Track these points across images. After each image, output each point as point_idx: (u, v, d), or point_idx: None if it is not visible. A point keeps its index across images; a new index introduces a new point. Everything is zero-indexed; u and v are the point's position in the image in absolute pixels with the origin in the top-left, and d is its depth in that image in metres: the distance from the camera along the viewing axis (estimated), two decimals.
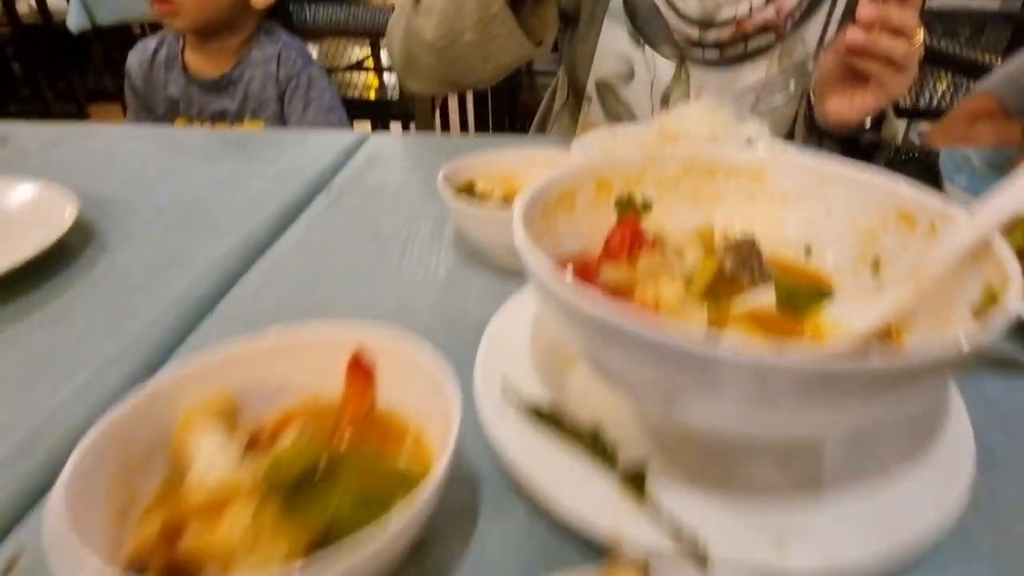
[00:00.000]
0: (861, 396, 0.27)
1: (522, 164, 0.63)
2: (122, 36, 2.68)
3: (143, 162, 0.77)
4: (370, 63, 3.06)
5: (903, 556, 0.29)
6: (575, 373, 0.41)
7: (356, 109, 1.38)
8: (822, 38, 0.88)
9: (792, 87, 0.91)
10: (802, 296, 0.42)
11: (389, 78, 3.09)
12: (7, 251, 0.49)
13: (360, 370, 0.33)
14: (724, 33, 0.86)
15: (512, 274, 0.55)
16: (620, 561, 0.26)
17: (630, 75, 0.94)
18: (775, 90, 0.91)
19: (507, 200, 0.58)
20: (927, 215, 0.40)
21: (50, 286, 0.50)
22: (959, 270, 0.35)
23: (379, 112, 1.79)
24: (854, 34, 0.67)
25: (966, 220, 0.36)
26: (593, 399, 0.38)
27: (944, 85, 1.77)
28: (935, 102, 1.85)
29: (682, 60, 0.91)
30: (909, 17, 0.66)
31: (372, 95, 2.63)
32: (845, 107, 0.74)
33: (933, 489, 0.32)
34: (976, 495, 0.32)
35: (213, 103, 1.25)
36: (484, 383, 0.38)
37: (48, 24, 3.44)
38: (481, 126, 2.36)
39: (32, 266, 0.49)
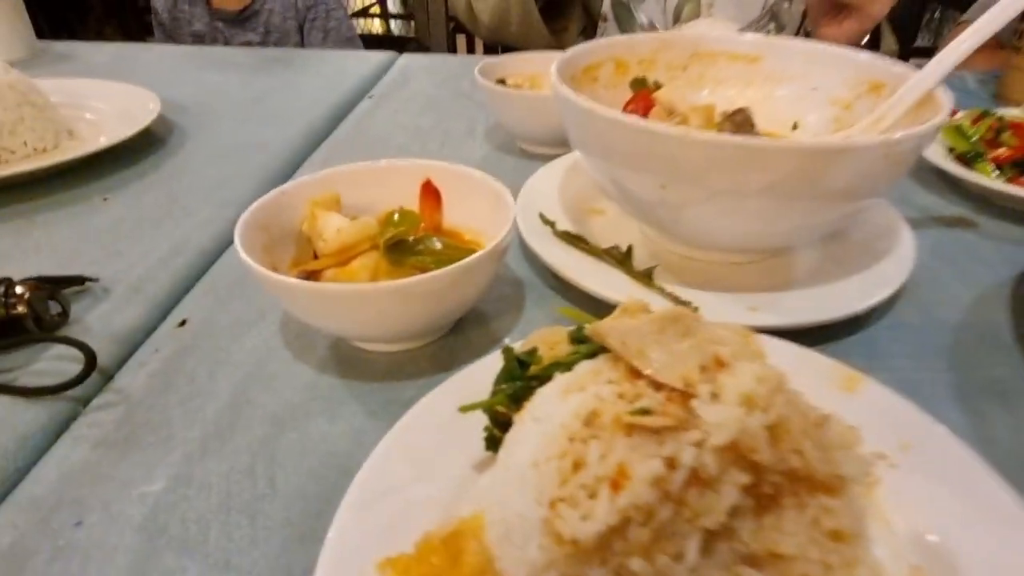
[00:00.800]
0: (814, 184, 0.36)
1: (543, 67, 0.70)
2: None
3: (201, 74, 0.85)
4: (376, 9, 3.06)
5: (839, 319, 0.39)
6: (595, 218, 0.51)
7: (372, 43, 1.44)
8: None
9: None
10: None
11: (395, 25, 3.08)
12: (110, 133, 0.59)
13: (430, 191, 0.43)
14: None
15: (538, 157, 0.64)
16: (630, 304, 0.35)
17: None
18: None
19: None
20: (892, 81, 0.48)
21: (151, 160, 0.60)
22: (911, 120, 0.44)
23: (394, 46, 1.84)
24: None
25: (915, 80, 0.45)
26: (612, 236, 0.48)
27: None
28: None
29: None
30: None
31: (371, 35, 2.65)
32: (835, 32, 0.81)
33: (872, 285, 0.42)
34: (910, 296, 0.41)
35: (237, 36, 1.31)
36: (524, 215, 0.47)
37: None
38: None
39: (130, 145, 0.59)
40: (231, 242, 0.47)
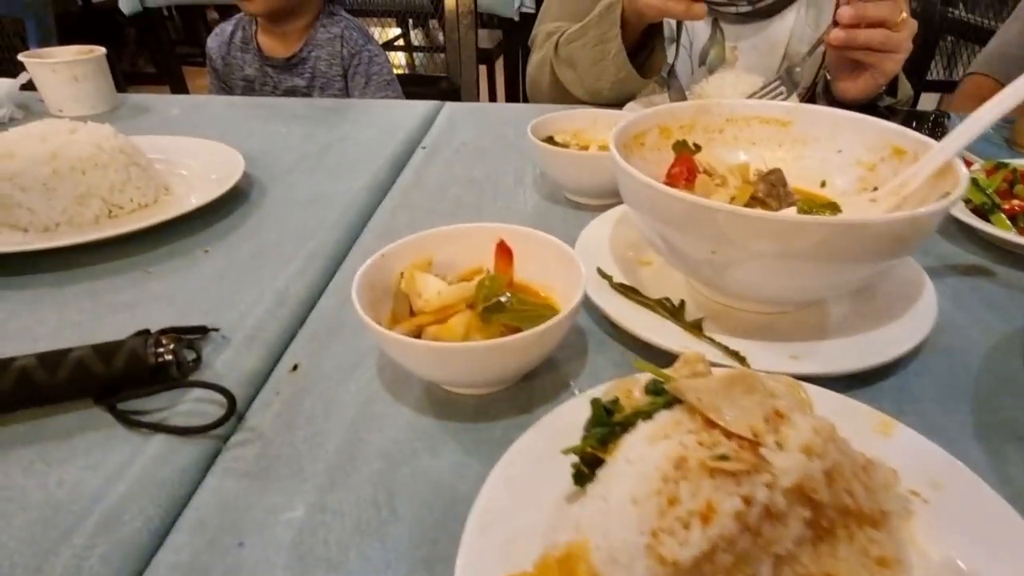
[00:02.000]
0: (850, 251, 0.41)
1: (589, 123, 0.77)
2: (154, 19, 2.84)
3: (267, 126, 0.93)
4: (401, 42, 3.18)
5: (875, 367, 0.44)
6: (645, 268, 0.57)
7: (405, 82, 1.52)
8: None
9: (820, 31, 1.01)
10: (817, 211, 0.56)
11: (420, 57, 3.20)
12: (202, 189, 0.66)
13: (504, 250, 0.48)
14: None
15: (585, 208, 0.70)
16: (690, 355, 0.40)
17: (671, 39, 1.06)
18: (804, 40, 1.02)
19: (581, 151, 0.73)
20: (912, 148, 0.54)
21: (238, 214, 0.67)
22: (930, 186, 0.50)
23: (426, 85, 1.93)
24: (835, 34, 0.78)
25: (937, 149, 0.50)
26: (659, 285, 0.53)
27: (972, 55, 1.86)
28: (964, 73, 1.94)
29: (716, 20, 1.03)
30: (885, 9, 0.77)
31: (402, 72, 2.76)
32: (852, 87, 0.86)
33: (902, 334, 0.47)
34: (933, 343, 0.46)
35: (285, 80, 1.39)
36: (583, 268, 0.53)
37: (87, 5, 3.60)
38: (513, 99, 2.49)
39: (222, 200, 0.66)
40: (323, 290, 0.54)
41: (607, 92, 0.94)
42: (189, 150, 0.75)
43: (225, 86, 1.44)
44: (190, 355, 0.43)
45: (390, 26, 3.16)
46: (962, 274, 0.60)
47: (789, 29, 1.01)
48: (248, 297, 0.52)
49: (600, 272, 0.53)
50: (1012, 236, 0.61)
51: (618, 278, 0.53)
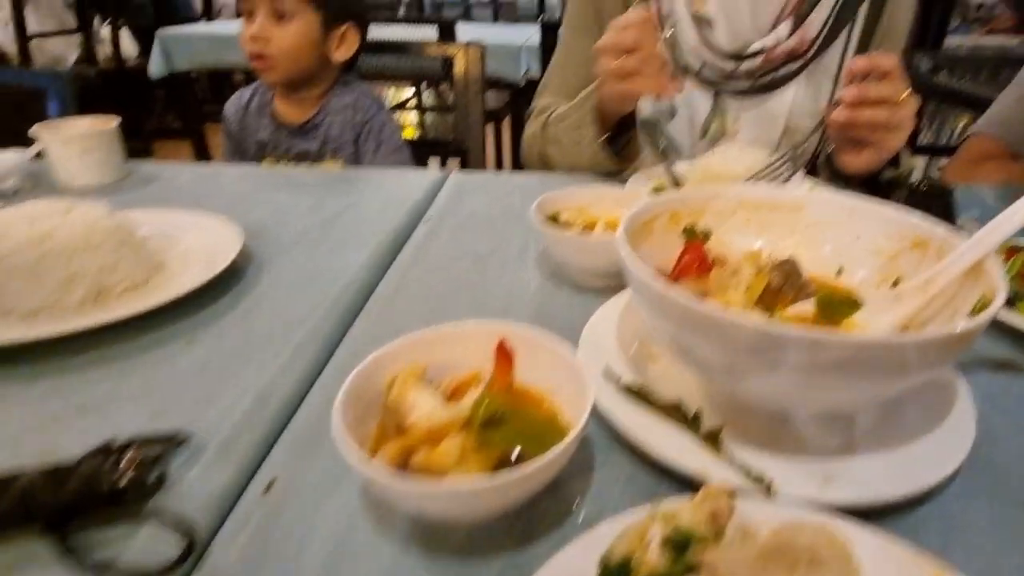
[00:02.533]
0: (884, 369, 0.37)
1: (594, 199, 0.75)
2: (182, 80, 2.95)
3: (274, 196, 0.92)
4: (413, 103, 3.28)
5: (916, 495, 0.39)
6: (656, 364, 0.53)
7: (413, 146, 1.54)
8: (841, 62, 0.99)
9: (819, 106, 1.01)
10: (837, 305, 0.52)
11: (430, 117, 3.29)
12: (196, 268, 0.64)
13: (504, 353, 0.45)
14: (754, 64, 0.98)
15: (589, 289, 0.67)
16: (713, 489, 0.36)
17: (672, 112, 1.06)
18: (804, 114, 1.02)
19: (587, 228, 0.70)
20: (936, 242, 0.51)
21: (231, 296, 0.64)
22: (959, 284, 0.46)
23: (434, 150, 1.95)
24: (838, 113, 0.79)
25: (966, 246, 0.47)
26: (672, 383, 0.50)
27: (964, 121, 1.87)
28: (955, 138, 1.94)
29: (717, 94, 1.03)
30: (887, 88, 0.77)
31: (412, 132, 2.83)
32: (855, 161, 0.86)
33: (941, 448, 0.42)
34: (973, 457, 0.42)
35: (297, 144, 1.40)
36: (587, 367, 0.49)
37: (121, 68, 3.76)
38: (518, 156, 2.51)
39: (216, 280, 0.63)
40: (310, 387, 0.50)
41: (588, 171, 0.99)
42: (188, 224, 0.73)
43: (239, 149, 1.46)
44: (153, 474, 0.39)
45: (404, 87, 3.26)
46: (995, 370, 0.56)
47: (789, 104, 1.02)
48: (229, 396, 0.49)
49: (607, 372, 0.49)
50: None
51: (626, 377, 0.50)
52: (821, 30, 0.96)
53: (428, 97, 3.47)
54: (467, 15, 4.72)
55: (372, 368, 0.41)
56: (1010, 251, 0.68)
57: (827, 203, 0.59)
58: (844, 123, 0.79)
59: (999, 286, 0.42)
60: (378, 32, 1.91)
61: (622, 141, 0.97)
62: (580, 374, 0.41)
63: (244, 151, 1.45)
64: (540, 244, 0.77)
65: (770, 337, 0.37)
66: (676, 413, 0.46)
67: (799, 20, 0.95)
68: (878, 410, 0.47)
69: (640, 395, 0.48)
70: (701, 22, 0.97)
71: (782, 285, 0.55)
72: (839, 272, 0.58)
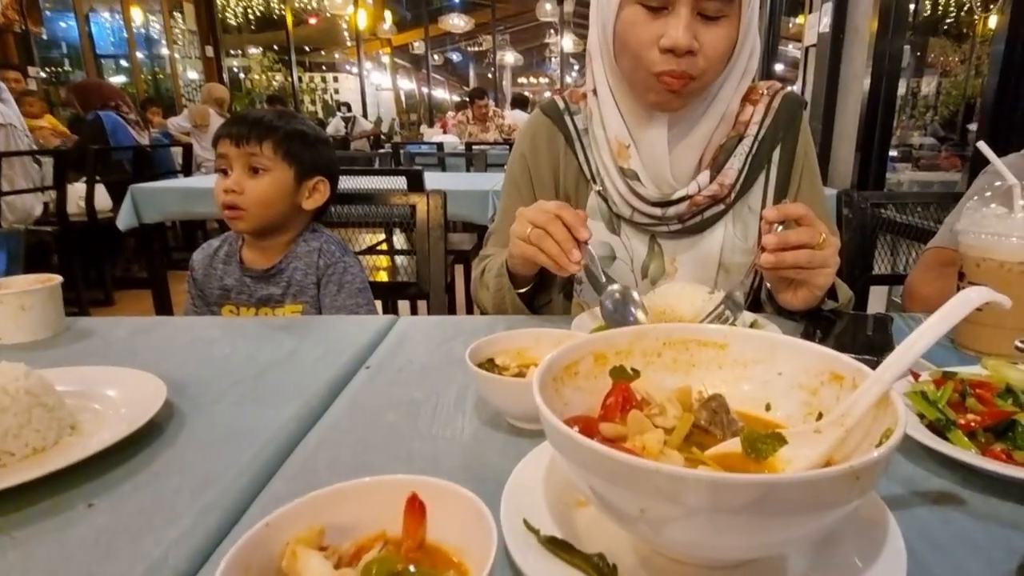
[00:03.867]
0: (790, 509, 0.36)
1: (532, 342, 0.76)
2: (153, 231, 3.07)
3: (211, 348, 0.91)
4: (384, 246, 3.42)
5: None
6: (581, 512, 0.51)
7: (377, 291, 1.58)
8: (763, 202, 1.09)
9: (749, 243, 1.09)
10: (762, 442, 0.52)
11: (400, 260, 3.43)
12: (112, 427, 0.61)
13: (415, 510, 0.43)
14: (681, 208, 1.06)
15: (526, 433, 0.66)
16: None
17: (612, 257, 1.13)
18: (736, 251, 1.08)
19: (521, 372, 0.70)
20: (850, 374, 0.52)
21: (145, 454, 0.61)
22: (872, 417, 0.47)
23: (396, 292, 2.01)
24: (765, 258, 0.86)
25: (873, 379, 0.48)
26: (597, 533, 0.47)
27: (916, 252, 2.03)
28: (910, 265, 2.10)
29: (652, 237, 1.10)
30: (805, 235, 0.85)
31: (386, 276, 2.92)
32: (793, 300, 0.93)
33: None
34: None
35: (261, 289, 1.43)
36: (509, 520, 0.47)
37: (93, 221, 3.89)
38: None
39: (131, 438, 0.61)
40: (205, 560, 0.46)
41: (510, 311, 1.06)
42: (112, 380, 0.72)
43: (202, 295, 1.47)
44: None
45: (377, 232, 3.42)
46: (931, 503, 0.55)
47: (720, 242, 1.09)
48: (117, 570, 0.44)
49: (527, 525, 0.47)
50: (975, 459, 0.57)
51: (548, 527, 0.47)
52: (738, 178, 1.06)
53: (400, 241, 3.63)
54: (441, 165, 5.12)
55: (264, 535, 0.38)
56: (941, 378, 0.69)
57: (749, 339, 0.61)
58: (771, 267, 0.86)
59: (899, 420, 0.42)
60: (353, 183, 2.04)
61: (542, 298, 1.08)
62: (488, 529, 0.38)
63: (207, 296, 1.47)
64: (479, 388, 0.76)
65: (672, 479, 0.36)
66: (596, 568, 0.43)
67: (716, 170, 1.05)
68: (807, 554, 0.45)
69: (560, 548, 0.45)
70: (626, 174, 1.06)
71: (710, 422, 0.55)
72: (767, 407, 0.58)
